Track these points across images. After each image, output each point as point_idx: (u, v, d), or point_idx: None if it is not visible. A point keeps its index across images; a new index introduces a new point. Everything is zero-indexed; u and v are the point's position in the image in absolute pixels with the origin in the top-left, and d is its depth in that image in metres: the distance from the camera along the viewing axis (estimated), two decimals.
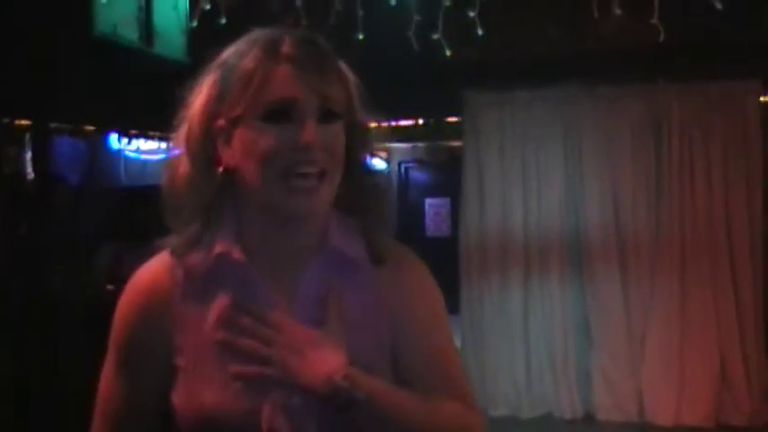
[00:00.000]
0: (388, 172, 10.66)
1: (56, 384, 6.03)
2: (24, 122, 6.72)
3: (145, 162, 9.00)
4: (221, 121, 1.44)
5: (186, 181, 1.47)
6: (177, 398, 1.48)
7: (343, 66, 1.49)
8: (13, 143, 7.20)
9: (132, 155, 9.07)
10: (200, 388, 1.45)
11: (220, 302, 1.46)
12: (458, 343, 6.98)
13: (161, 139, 7.99)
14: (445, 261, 6.65)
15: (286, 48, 1.42)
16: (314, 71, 1.42)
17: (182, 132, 1.48)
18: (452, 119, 7.66)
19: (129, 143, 8.81)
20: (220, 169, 1.45)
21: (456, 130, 7.63)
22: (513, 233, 7.15)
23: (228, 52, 1.47)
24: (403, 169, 10.94)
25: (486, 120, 7.23)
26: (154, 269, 1.53)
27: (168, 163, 1.50)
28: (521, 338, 7.12)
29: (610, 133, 6.94)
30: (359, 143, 1.50)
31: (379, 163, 10.74)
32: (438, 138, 8.77)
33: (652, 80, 6.84)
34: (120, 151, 8.98)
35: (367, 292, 1.51)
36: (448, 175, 9.20)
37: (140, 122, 7.39)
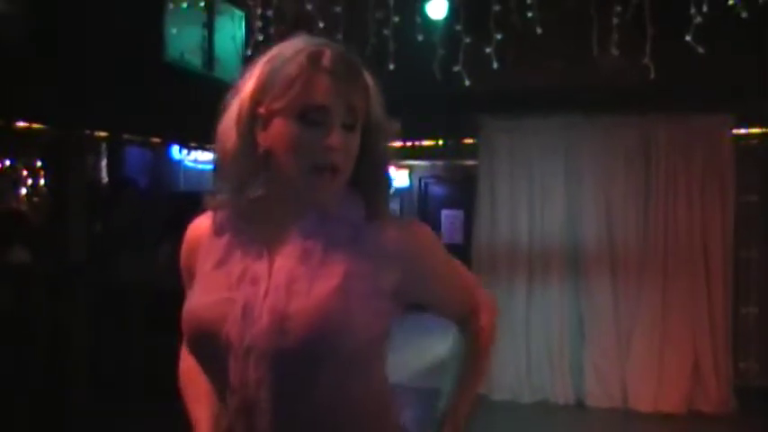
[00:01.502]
0: (411, 185, 10.66)
1: (125, 354, 6.43)
2: (102, 134, 6.96)
3: (201, 171, 9.18)
4: (263, 109, 1.52)
5: (232, 153, 1.55)
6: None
7: (367, 75, 1.58)
8: (92, 152, 7.47)
9: (190, 164, 9.28)
10: (195, 299, 1.59)
11: (220, 243, 1.62)
12: None
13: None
14: None
15: (326, 61, 1.50)
16: (345, 84, 1.51)
17: (232, 112, 1.56)
18: (468, 141, 7.72)
19: (188, 154, 9.06)
20: (260, 149, 1.53)
21: (471, 151, 7.72)
22: (519, 242, 7.25)
23: (277, 51, 1.55)
24: (423, 184, 10.90)
25: (499, 142, 7.33)
26: (200, 218, 1.69)
27: (219, 137, 1.58)
28: (523, 333, 7.22)
29: (605, 157, 7.06)
30: (374, 136, 1.59)
31: (401, 177, 10.69)
32: (455, 157, 8.73)
33: (643, 112, 6.96)
34: (180, 161, 9.21)
35: (361, 243, 1.56)
36: (462, 190, 9.27)
37: (199, 137, 7.49)
